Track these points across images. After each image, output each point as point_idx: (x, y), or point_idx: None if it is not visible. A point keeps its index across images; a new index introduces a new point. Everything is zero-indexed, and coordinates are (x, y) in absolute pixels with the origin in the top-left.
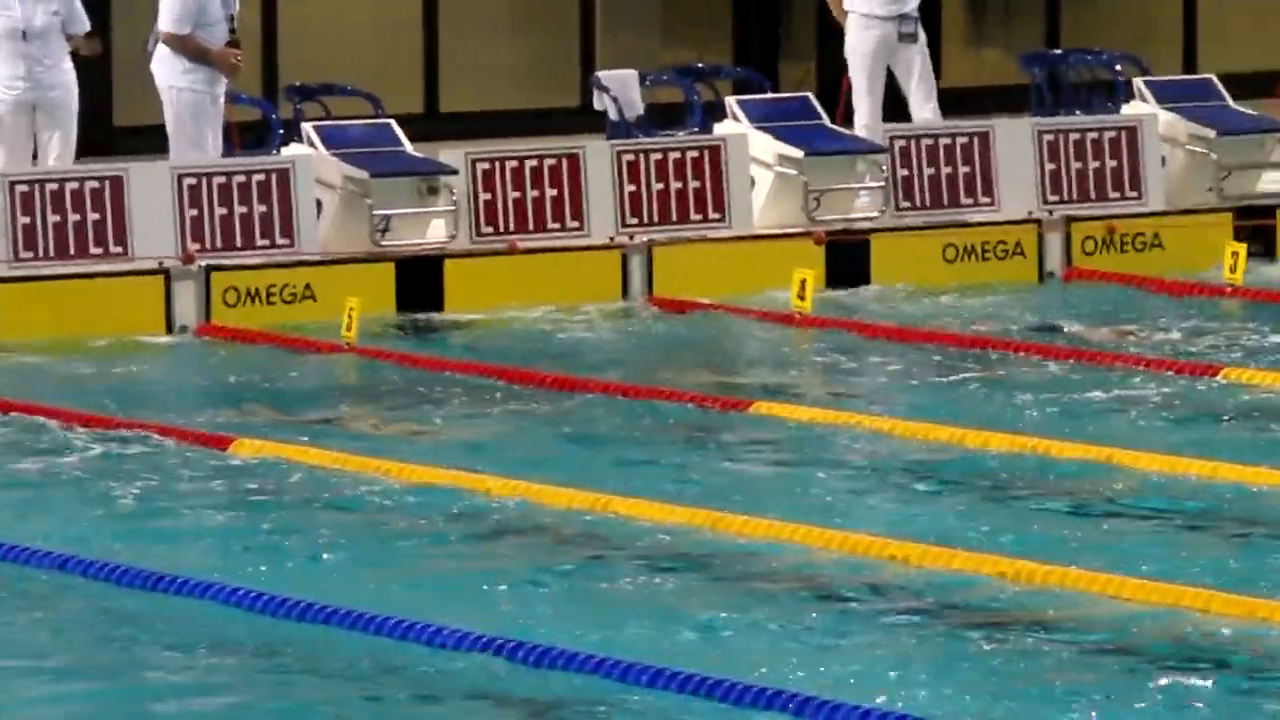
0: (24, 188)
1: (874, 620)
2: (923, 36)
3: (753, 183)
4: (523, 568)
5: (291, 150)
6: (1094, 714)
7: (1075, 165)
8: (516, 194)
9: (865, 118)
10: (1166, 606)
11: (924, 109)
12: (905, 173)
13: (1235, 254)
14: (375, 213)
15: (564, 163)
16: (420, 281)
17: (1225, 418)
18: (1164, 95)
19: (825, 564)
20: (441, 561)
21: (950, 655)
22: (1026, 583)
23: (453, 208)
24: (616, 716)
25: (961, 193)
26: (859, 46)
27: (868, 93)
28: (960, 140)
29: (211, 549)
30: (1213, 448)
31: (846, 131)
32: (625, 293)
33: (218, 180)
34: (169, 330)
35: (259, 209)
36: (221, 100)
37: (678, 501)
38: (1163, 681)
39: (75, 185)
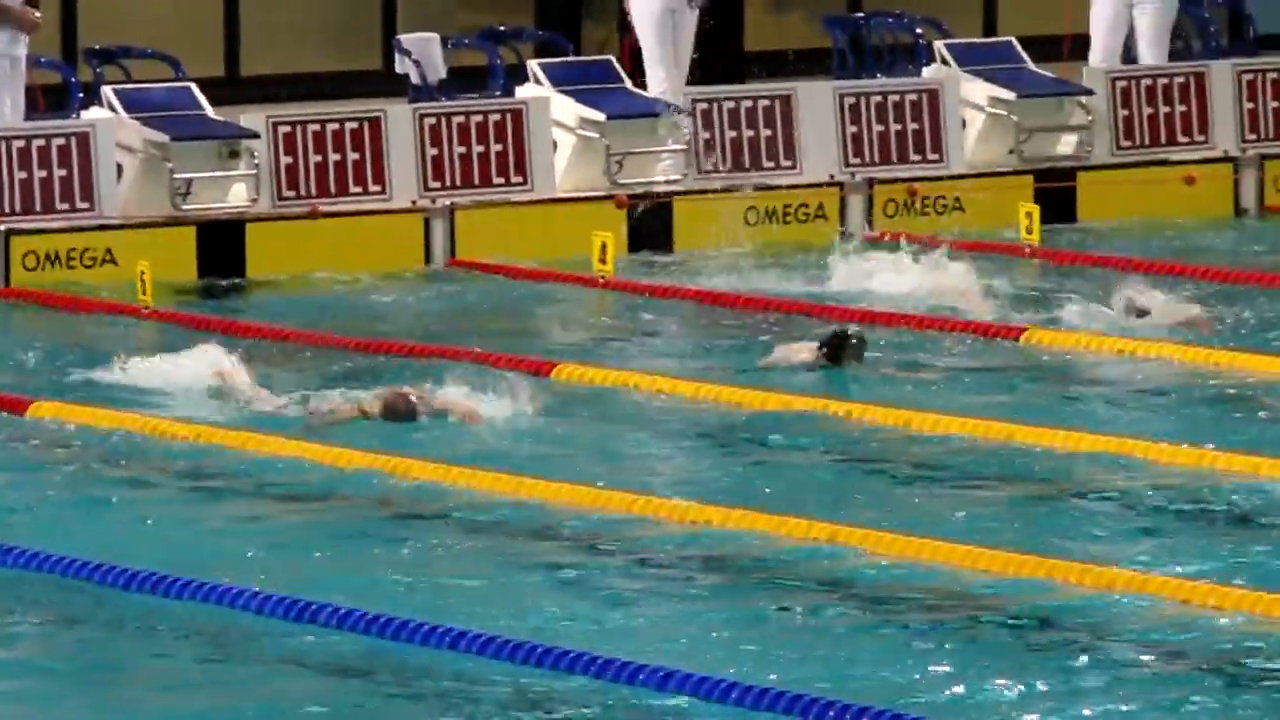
0: None
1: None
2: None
3: (555, 146)
4: (310, 529)
5: (91, 114)
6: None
7: (877, 128)
8: (318, 158)
9: (662, 82)
10: (950, 565)
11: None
12: (707, 136)
13: (1030, 215)
14: (176, 176)
15: (365, 126)
16: (221, 246)
17: (1026, 380)
18: (964, 58)
19: (621, 523)
20: (245, 523)
21: (659, 597)
22: (800, 539)
23: (254, 172)
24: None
25: (764, 155)
26: (646, 9)
27: (660, 58)
28: (762, 103)
29: (6, 510)
30: (1014, 410)
31: (649, 94)
32: (428, 256)
33: (17, 144)
34: None
35: (59, 173)
36: (22, 63)
37: (478, 466)
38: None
39: None
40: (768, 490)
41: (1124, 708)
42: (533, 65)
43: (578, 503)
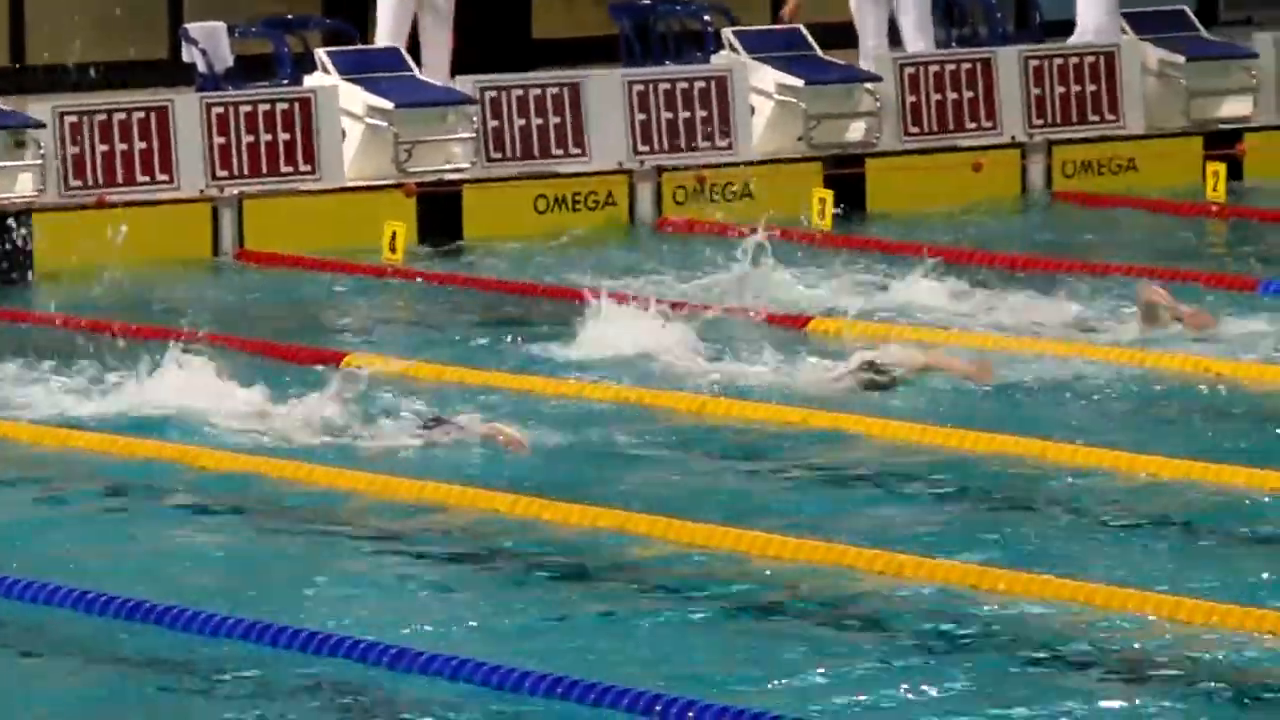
0: None
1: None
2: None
3: (343, 134)
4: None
5: None
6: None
7: (666, 115)
8: (105, 147)
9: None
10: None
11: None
12: (496, 124)
13: (823, 201)
14: None
15: (153, 116)
16: (7, 236)
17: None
18: (753, 45)
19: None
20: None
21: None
22: (576, 523)
23: (40, 161)
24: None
25: (553, 143)
26: None
27: (391, 33)
28: (551, 91)
29: None
30: (803, 398)
31: (438, 83)
32: (216, 246)
33: None
34: None
35: None
36: None
37: (264, 454)
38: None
39: None
40: (540, 478)
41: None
42: (320, 54)
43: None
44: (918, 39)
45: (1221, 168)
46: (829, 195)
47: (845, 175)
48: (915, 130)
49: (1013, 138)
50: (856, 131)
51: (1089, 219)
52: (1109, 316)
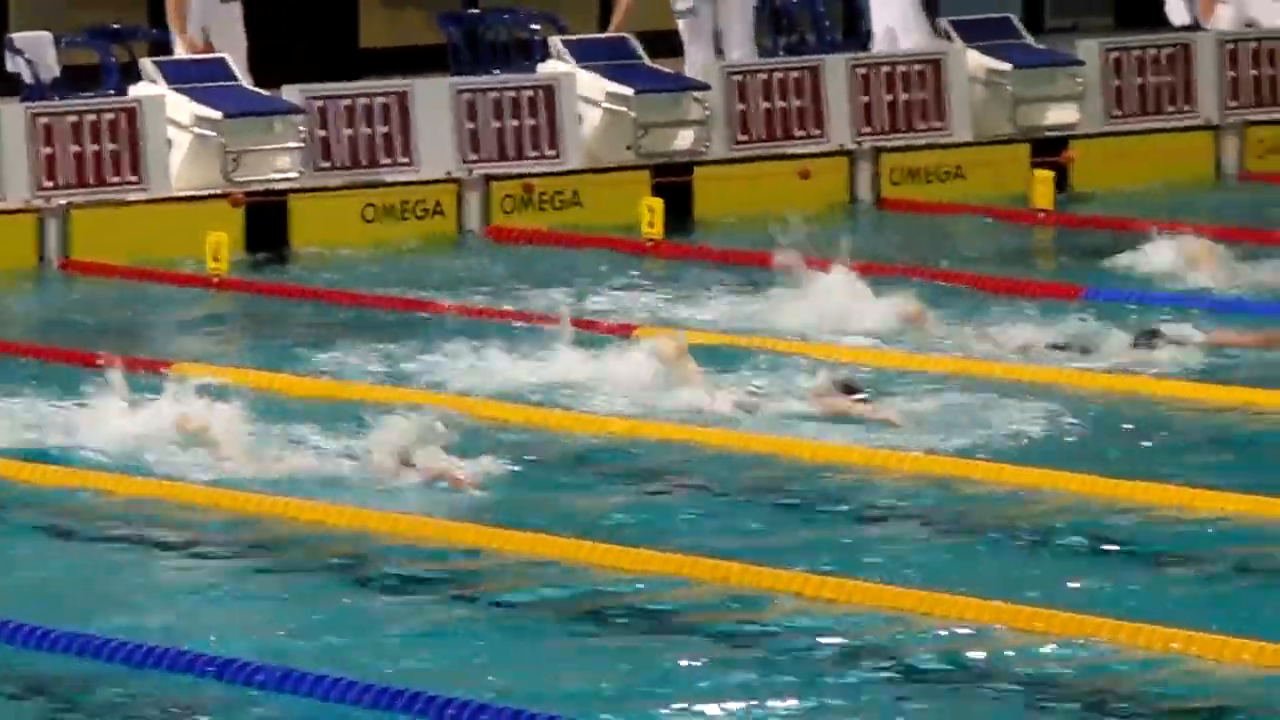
0: None
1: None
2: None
3: (170, 144)
4: None
5: None
6: None
7: (494, 124)
8: None
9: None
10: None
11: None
12: (324, 133)
13: (653, 210)
14: None
15: None
16: None
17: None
18: (581, 54)
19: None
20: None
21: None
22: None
23: None
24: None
25: (380, 153)
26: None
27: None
28: (379, 101)
29: None
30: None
31: (265, 93)
32: (41, 257)
33: None
34: None
35: None
36: None
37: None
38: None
39: None
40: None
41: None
42: (146, 63)
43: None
44: (739, 48)
45: (1048, 175)
46: (659, 204)
47: (674, 184)
48: (744, 138)
49: (841, 145)
50: (685, 140)
51: (916, 226)
52: (947, 321)
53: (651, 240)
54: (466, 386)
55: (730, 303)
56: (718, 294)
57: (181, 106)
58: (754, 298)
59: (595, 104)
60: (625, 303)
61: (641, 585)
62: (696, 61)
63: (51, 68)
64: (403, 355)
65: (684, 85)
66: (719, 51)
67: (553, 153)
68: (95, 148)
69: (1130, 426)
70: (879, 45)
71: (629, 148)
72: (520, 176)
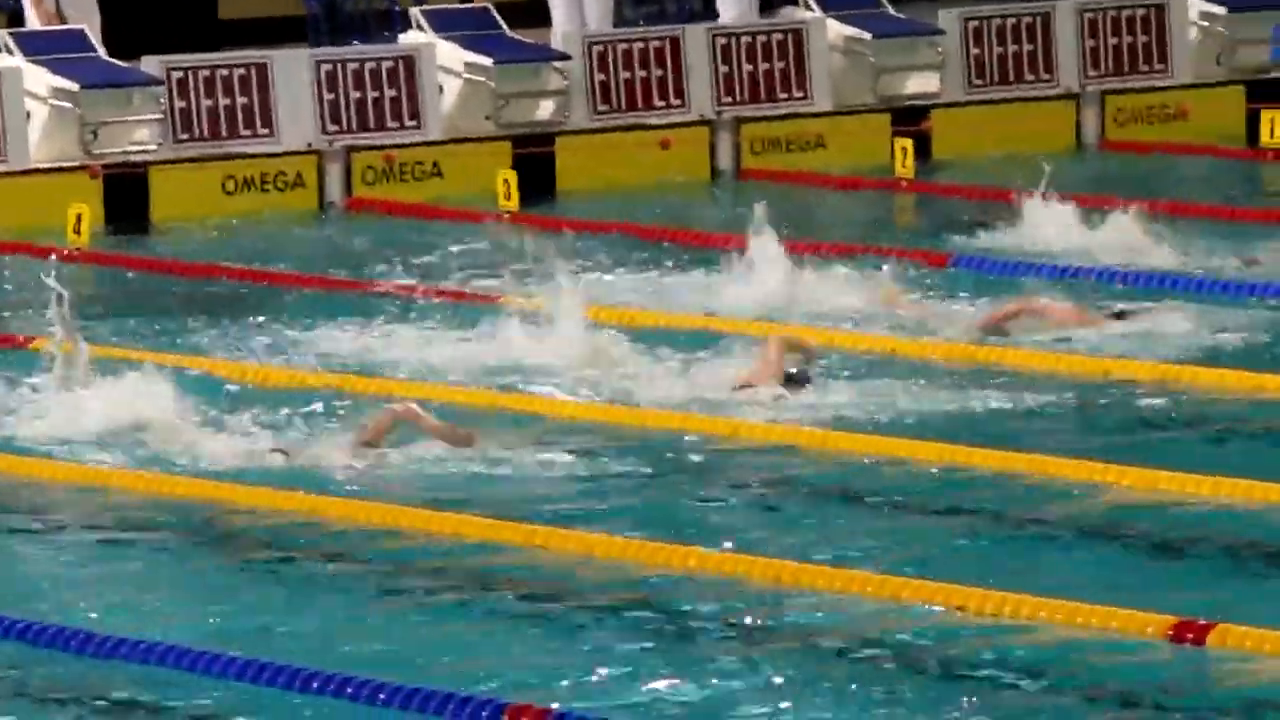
0: None
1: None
2: None
3: (28, 116)
4: None
5: None
6: None
7: (354, 95)
8: None
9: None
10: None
11: None
12: (183, 105)
13: (508, 181)
14: None
15: None
16: None
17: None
18: (441, 25)
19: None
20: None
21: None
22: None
23: None
24: None
25: (240, 124)
26: None
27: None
28: (239, 72)
29: None
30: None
31: (123, 64)
32: None
33: None
34: None
35: None
36: None
37: None
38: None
39: None
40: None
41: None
42: (3, 35)
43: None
44: (597, 18)
45: (909, 143)
46: (514, 175)
47: (534, 154)
48: (604, 109)
49: (701, 115)
50: (545, 110)
51: (778, 195)
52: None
53: (508, 211)
54: (334, 361)
55: (617, 275)
56: (578, 266)
57: (39, 78)
58: (625, 272)
59: (455, 75)
60: (486, 273)
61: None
62: (562, 31)
63: None
64: (263, 328)
65: (544, 55)
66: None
67: (413, 123)
68: None
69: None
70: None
71: (489, 118)
72: (381, 148)
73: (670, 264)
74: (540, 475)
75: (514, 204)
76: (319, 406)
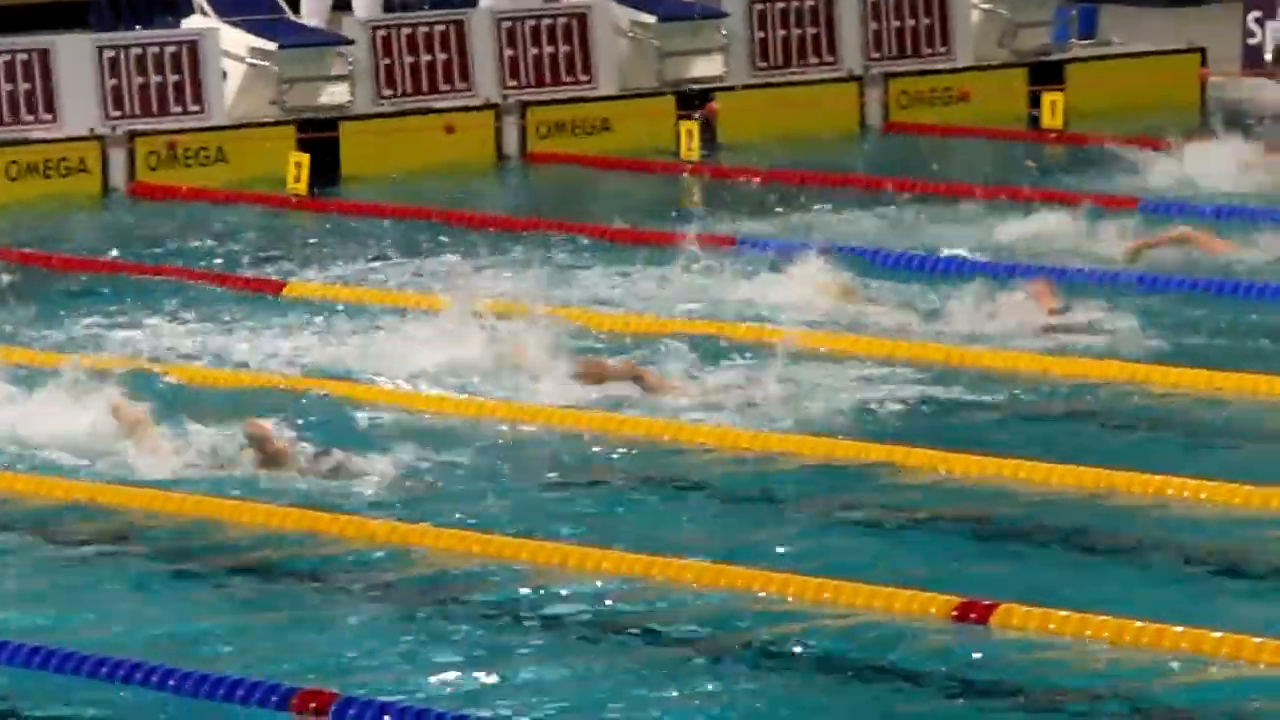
0: None
1: None
2: None
3: None
4: None
5: None
6: None
7: (138, 80)
8: None
9: None
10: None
11: None
12: None
13: (299, 164)
14: None
15: None
16: None
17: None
18: (224, 9)
19: None
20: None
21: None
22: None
23: None
24: None
25: (22, 110)
26: None
27: None
28: (20, 57)
29: None
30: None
31: None
32: None
33: None
34: None
35: None
36: None
37: None
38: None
39: None
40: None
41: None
42: None
43: None
44: (367, 3)
45: (695, 126)
46: (305, 158)
47: (319, 139)
48: (389, 93)
49: (487, 100)
50: (330, 95)
51: (563, 179)
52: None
53: (297, 195)
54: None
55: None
56: (371, 249)
57: None
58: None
59: (239, 59)
60: (275, 258)
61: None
62: (362, 14)
63: None
64: (47, 315)
65: (328, 40)
66: (390, 7)
67: (197, 109)
68: None
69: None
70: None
71: (274, 103)
72: (165, 133)
73: (460, 248)
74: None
75: (303, 187)
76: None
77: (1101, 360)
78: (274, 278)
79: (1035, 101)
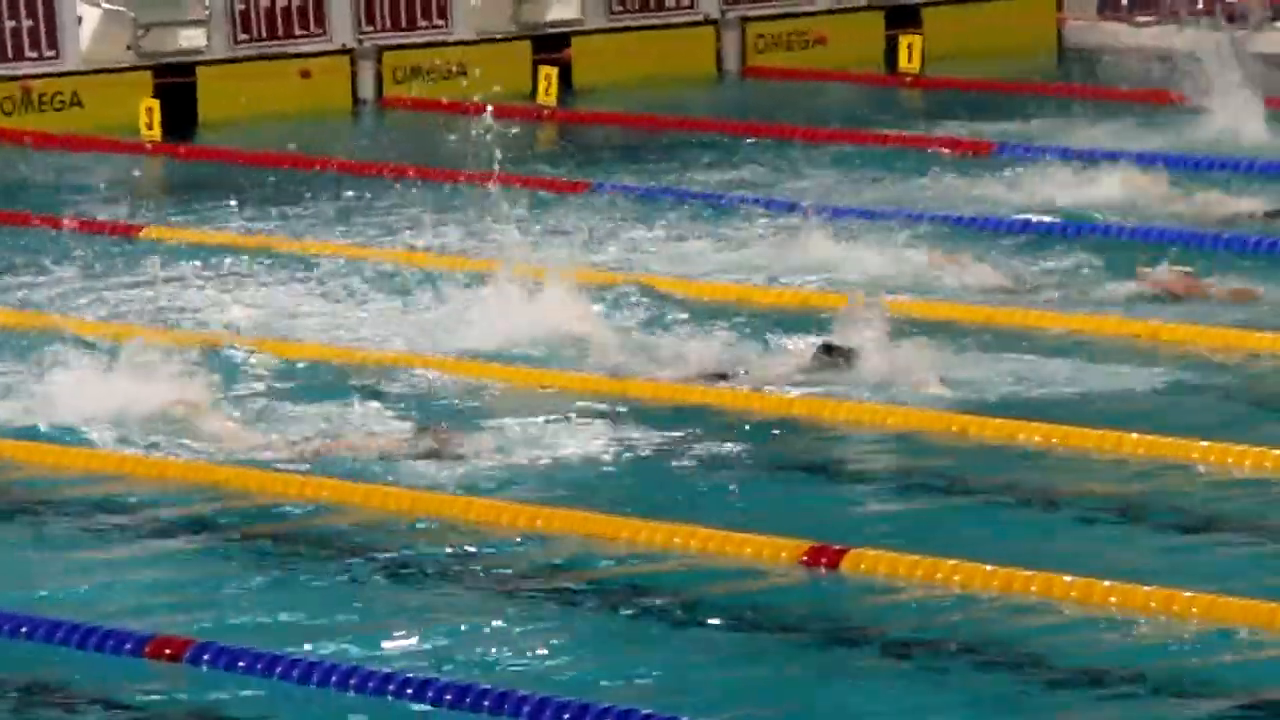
0: None
1: None
2: None
3: None
4: None
5: None
6: None
7: None
8: None
9: None
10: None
11: None
12: None
13: (150, 110)
14: None
15: None
16: None
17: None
18: None
19: None
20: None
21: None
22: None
23: None
24: None
25: None
26: None
27: None
28: None
29: None
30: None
31: None
32: None
33: None
34: None
35: None
36: None
37: None
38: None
39: None
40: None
41: None
42: None
43: None
44: None
45: (553, 71)
46: (156, 105)
47: (176, 84)
48: (245, 38)
49: (343, 45)
50: (187, 39)
51: (419, 124)
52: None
53: (151, 141)
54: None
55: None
56: (233, 199)
57: None
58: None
59: (94, 4)
60: (130, 205)
61: None
62: None
63: None
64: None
65: None
66: None
67: (51, 53)
68: None
69: None
70: None
71: (129, 48)
72: (19, 78)
73: (324, 195)
74: None
75: (156, 134)
76: None
77: None
78: (135, 223)
79: (892, 45)
